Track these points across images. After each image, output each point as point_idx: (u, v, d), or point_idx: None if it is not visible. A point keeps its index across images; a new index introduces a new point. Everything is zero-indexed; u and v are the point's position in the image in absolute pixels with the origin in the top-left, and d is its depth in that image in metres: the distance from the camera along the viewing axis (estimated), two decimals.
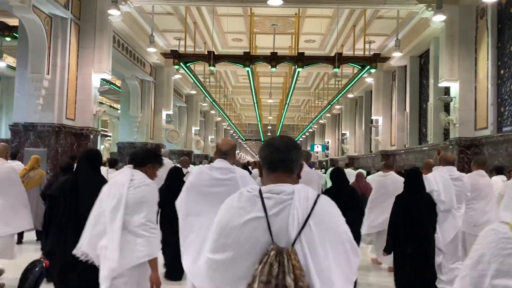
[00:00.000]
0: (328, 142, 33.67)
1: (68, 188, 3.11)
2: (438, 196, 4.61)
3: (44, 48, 10.11)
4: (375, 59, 11.18)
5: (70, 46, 10.82)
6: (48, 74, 10.24)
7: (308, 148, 43.22)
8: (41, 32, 10.00)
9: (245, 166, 16.90)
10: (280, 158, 1.56)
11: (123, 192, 2.77)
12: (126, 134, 17.11)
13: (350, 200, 4.38)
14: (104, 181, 3.25)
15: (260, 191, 1.48)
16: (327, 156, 33.35)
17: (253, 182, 3.46)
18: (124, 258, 2.74)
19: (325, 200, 1.51)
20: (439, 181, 4.71)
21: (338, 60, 10.89)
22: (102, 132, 32.67)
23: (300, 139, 44.22)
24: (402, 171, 15.26)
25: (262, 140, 45.20)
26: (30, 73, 10.08)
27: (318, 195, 1.51)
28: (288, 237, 1.40)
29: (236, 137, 45.34)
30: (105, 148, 32.54)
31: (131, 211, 2.77)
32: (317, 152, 37.10)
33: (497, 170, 6.92)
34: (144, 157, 3.01)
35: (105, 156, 30.26)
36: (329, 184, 6.88)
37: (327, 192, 4.85)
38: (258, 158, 1.68)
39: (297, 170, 1.60)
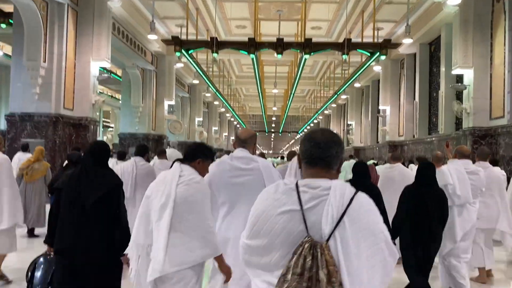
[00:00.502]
0: None
1: (73, 182, 2.97)
2: (453, 190, 4.41)
3: (40, 34, 9.70)
4: (385, 46, 10.66)
5: (68, 33, 10.40)
6: (44, 62, 9.85)
7: None
8: (37, 18, 9.58)
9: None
10: (320, 155, 1.55)
11: (172, 189, 2.64)
12: (127, 125, 16.74)
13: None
14: (110, 174, 3.10)
15: (297, 184, 1.50)
16: None
17: (276, 172, 3.26)
18: (172, 260, 2.58)
19: (363, 198, 1.49)
20: (454, 174, 4.48)
21: (347, 46, 10.39)
22: (104, 123, 32.60)
23: (305, 130, 43.83)
24: (406, 163, 14.90)
25: (267, 131, 44.84)
26: (26, 61, 9.70)
27: (356, 192, 1.48)
28: (321, 232, 1.41)
29: (240, 128, 44.95)
30: (107, 139, 32.35)
31: (180, 210, 2.64)
32: None
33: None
34: (194, 152, 2.86)
35: None
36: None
37: None
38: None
39: (337, 165, 1.58)
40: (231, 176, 3.12)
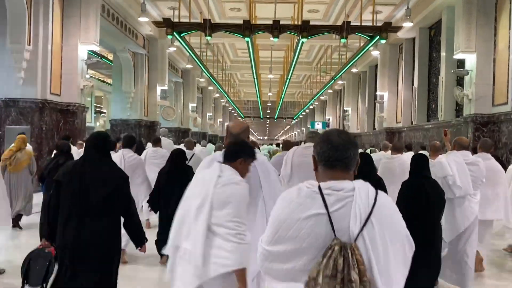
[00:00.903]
0: (329, 119, 32.95)
1: (76, 175, 2.87)
2: (453, 181, 4.31)
3: (24, 16, 9.20)
4: (385, 29, 10.23)
5: (54, 14, 9.91)
6: (29, 44, 9.37)
7: (308, 126, 42.58)
8: None
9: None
10: (338, 157, 1.55)
11: (209, 190, 2.50)
12: (118, 111, 16.31)
13: None
14: (115, 167, 3.04)
15: (319, 187, 1.50)
16: None
17: (272, 168, 3.01)
18: (208, 265, 2.45)
19: (384, 197, 1.54)
20: (454, 165, 4.38)
21: (346, 29, 9.97)
22: (96, 108, 32.09)
23: (300, 116, 43.52)
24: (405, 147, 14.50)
25: (262, 117, 44.43)
26: (9, 43, 9.22)
27: (377, 192, 1.52)
28: (349, 233, 1.43)
29: (235, 114, 44.51)
30: (100, 125, 31.87)
31: (217, 212, 2.50)
32: (317, 130, 36.47)
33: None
34: (236, 151, 2.69)
35: None
36: None
37: None
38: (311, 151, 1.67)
39: (354, 167, 1.59)
40: None
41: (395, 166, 6.02)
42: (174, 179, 4.94)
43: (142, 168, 5.50)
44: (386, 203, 1.53)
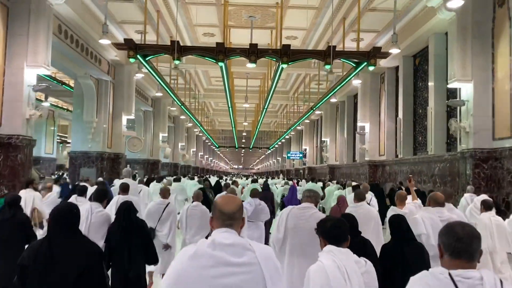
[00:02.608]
0: (305, 149, 32.04)
1: (42, 258, 2.57)
2: (427, 240, 4.21)
3: None
4: (374, 54, 9.28)
5: None
6: None
7: (284, 155, 41.58)
8: None
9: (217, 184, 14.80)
10: (463, 248, 1.77)
11: (360, 282, 2.37)
12: (79, 142, 14.76)
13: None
14: (85, 243, 2.78)
15: (450, 275, 1.73)
16: (304, 164, 31.72)
17: (280, 267, 2.05)
18: None
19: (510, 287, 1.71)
20: (428, 223, 4.30)
21: (331, 55, 8.95)
22: (62, 138, 30.19)
23: (276, 146, 42.55)
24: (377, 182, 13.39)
25: (237, 147, 43.21)
26: None
27: (501, 281, 1.72)
28: None
29: (209, 143, 43.15)
30: (64, 156, 29.93)
31: None
32: (293, 160, 35.47)
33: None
34: (344, 231, 2.60)
35: (67, 164, 27.74)
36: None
37: None
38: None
39: (478, 257, 1.79)
40: (216, 276, 1.93)
41: (359, 215, 5.22)
42: (127, 238, 4.27)
43: (108, 224, 4.88)
44: None
